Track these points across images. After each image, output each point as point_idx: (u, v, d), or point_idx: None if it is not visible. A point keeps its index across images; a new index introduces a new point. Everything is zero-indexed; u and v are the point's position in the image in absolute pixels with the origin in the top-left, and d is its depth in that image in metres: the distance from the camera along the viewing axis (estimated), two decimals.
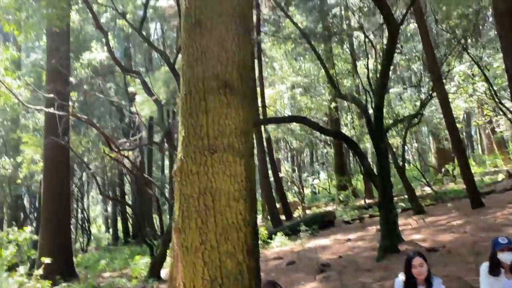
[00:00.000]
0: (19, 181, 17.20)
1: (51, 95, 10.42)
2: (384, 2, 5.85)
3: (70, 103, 12.29)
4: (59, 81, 12.32)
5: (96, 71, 15.98)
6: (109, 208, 29.39)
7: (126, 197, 26.97)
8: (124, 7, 15.62)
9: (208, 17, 3.16)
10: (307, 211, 17.72)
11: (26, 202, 25.25)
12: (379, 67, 10.62)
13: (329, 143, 23.58)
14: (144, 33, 13.09)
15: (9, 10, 12.02)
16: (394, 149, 15.45)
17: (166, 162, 28.96)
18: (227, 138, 3.02)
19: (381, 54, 11.11)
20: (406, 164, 15.69)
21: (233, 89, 3.14)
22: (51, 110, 9.79)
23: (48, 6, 11.31)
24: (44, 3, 11.42)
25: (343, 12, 18.73)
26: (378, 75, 8.72)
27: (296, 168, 26.24)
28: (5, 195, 19.60)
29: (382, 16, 6.38)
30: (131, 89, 16.68)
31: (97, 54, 14.18)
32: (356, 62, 13.22)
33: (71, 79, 13.98)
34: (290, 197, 22.79)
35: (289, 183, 25.09)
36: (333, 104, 19.08)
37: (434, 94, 11.86)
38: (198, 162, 2.98)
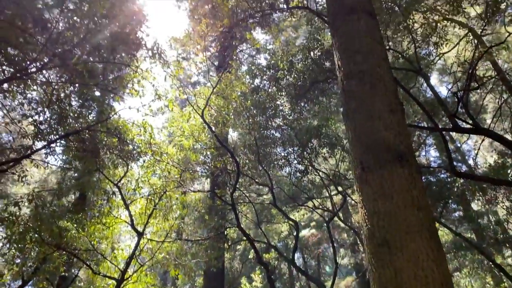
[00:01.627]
0: None
1: None
2: None
3: None
4: None
5: None
6: None
7: None
8: (271, 240, 16.67)
9: (395, 235, 3.05)
10: None
11: None
12: None
13: None
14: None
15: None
16: None
17: None
18: None
19: None
20: None
21: None
22: None
23: (207, 248, 12.71)
24: (205, 246, 12.89)
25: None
26: None
27: None
28: None
29: None
30: None
31: None
32: None
33: None
34: None
35: None
36: None
37: None
38: None
